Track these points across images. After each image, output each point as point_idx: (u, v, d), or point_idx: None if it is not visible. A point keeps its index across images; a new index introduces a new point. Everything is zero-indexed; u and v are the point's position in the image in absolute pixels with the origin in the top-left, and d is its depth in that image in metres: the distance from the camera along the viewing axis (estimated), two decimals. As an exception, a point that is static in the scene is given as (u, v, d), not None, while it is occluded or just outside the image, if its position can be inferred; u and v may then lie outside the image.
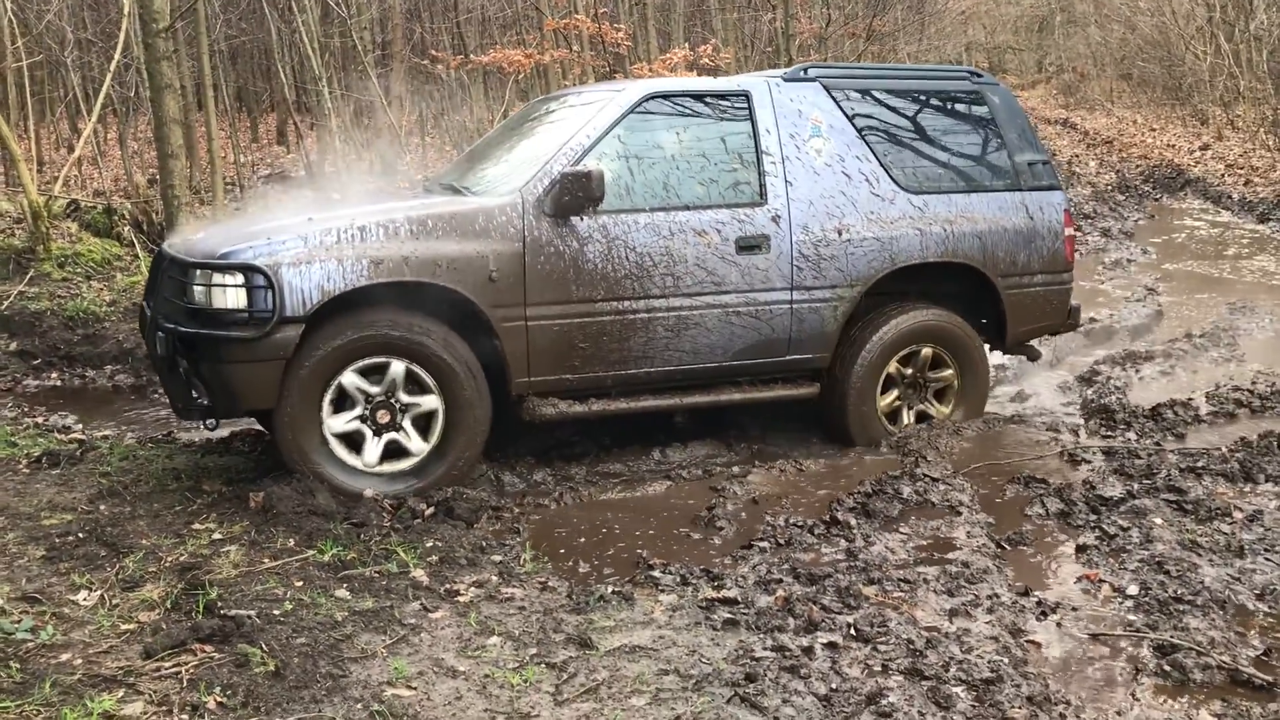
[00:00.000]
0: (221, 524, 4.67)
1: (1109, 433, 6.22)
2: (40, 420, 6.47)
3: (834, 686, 3.45)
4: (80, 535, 4.44)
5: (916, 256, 6.06)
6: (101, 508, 4.83)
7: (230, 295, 4.82)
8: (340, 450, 5.07)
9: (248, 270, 4.80)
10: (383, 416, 5.11)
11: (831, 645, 3.73)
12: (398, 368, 5.08)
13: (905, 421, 6.21)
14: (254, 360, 4.82)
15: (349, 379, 5.04)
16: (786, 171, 5.83)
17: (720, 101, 5.88)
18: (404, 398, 5.14)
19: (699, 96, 5.87)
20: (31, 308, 8.29)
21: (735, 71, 18.22)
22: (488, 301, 5.17)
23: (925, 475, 5.43)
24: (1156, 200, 16.61)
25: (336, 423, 5.06)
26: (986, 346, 6.47)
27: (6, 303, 8.22)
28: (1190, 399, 6.75)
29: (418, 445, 5.19)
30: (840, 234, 5.88)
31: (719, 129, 5.82)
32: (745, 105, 5.88)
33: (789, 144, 5.88)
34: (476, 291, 5.14)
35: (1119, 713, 3.40)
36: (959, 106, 6.41)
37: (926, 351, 6.18)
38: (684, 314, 5.60)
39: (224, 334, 4.81)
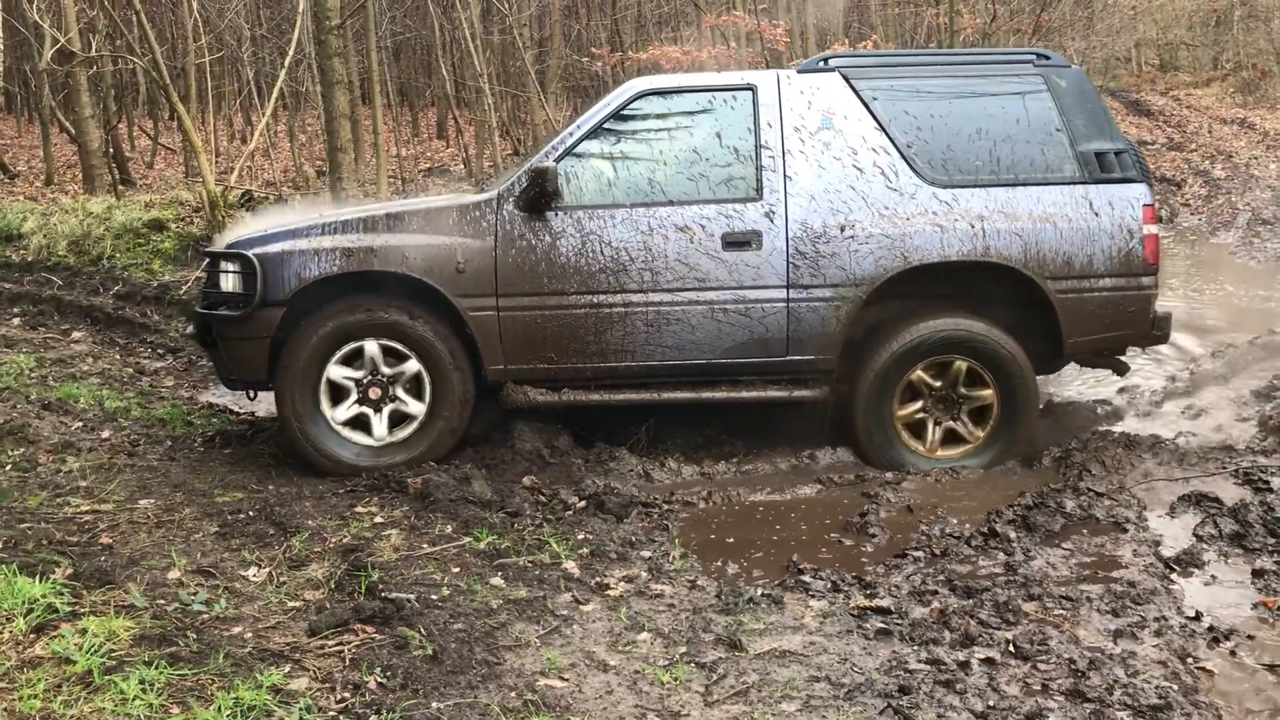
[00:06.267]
0: (383, 508, 4.81)
1: (1289, 452, 5.89)
2: (213, 401, 6.77)
3: (991, 704, 3.35)
4: (250, 513, 4.63)
5: (935, 255, 5.67)
6: (270, 487, 5.04)
7: (231, 280, 5.56)
8: (351, 434, 5.51)
9: (242, 259, 5.48)
10: (374, 394, 5.53)
11: (989, 661, 3.62)
12: (371, 346, 5.51)
13: (931, 438, 5.83)
14: (244, 338, 5.51)
15: (334, 372, 5.53)
16: (786, 166, 5.68)
17: (721, 96, 5.82)
18: (386, 370, 5.54)
19: (698, 92, 5.83)
20: (207, 293, 8.68)
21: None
22: (454, 290, 5.49)
23: (1089, 489, 5.24)
24: (1343, 206, 15.64)
25: (340, 413, 5.53)
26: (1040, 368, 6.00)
27: (184, 288, 8.64)
28: (1381, 419, 6.35)
29: (415, 407, 5.59)
30: (843, 230, 5.64)
31: (715, 124, 5.76)
32: (749, 100, 5.79)
33: (792, 137, 5.73)
34: (442, 280, 5.48)
35: (1300, 751, 3.22)
36: (1010, 93, 5.89)
37: (960, 365, 5.77)
38: (664, 309, 5.60)
39: (224, 313, 5.54)
